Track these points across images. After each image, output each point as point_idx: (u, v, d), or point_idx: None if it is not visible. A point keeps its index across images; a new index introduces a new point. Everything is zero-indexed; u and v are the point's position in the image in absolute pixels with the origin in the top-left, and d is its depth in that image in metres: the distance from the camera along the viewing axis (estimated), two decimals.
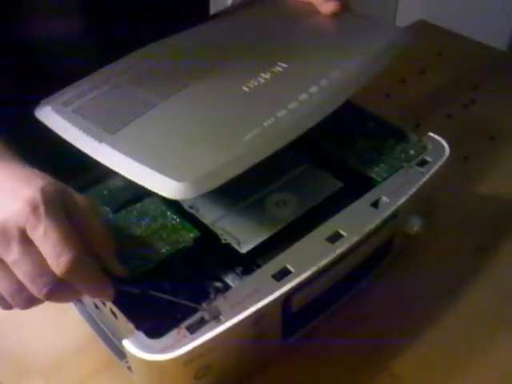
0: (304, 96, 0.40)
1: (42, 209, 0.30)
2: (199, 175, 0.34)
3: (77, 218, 0.32)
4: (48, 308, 0.44)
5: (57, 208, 0.31)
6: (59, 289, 0.31)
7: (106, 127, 0.37)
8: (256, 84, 0.41)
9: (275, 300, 0.34)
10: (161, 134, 0.38)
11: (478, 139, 0.61)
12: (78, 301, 0.43)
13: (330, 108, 0.40)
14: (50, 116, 0.39)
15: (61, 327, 0.43)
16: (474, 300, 0.45)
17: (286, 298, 0.35)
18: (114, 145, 0.36)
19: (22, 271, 0.30)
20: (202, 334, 0.33)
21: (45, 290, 0.30)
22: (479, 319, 0.44)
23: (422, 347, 0.42)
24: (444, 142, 0.46)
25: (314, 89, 0.40)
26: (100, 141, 0.36)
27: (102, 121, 0.38)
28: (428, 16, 0.82)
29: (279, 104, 0.39)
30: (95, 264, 0.32)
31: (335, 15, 0.49)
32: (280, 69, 0.42)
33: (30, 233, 0.30)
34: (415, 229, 0.44)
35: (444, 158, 0.44)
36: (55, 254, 0.30)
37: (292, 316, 0.37)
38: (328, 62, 0.44)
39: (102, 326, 0.41)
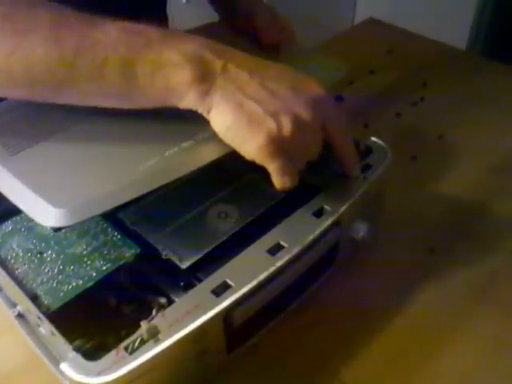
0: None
1: None
2: (78, 202, 0.34)
3: None
4: None
5: None
6: None
7: (9, 148, 0.38)
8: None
9: (215, 316, 0.34)
10: (57, 160, 0.37)
11: (426, 138, 0.61)
12: (20, 317, 0.42)
13: None
14: None
15: (5, 344, 0.43)
16: (423, 302, 0.45)
17: (227, 313, 0.35)
18: (6, 165, 0.36)
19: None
20: (140, 355, 0.32)
21: None
22: (429, 321, 0.44)
23: (372, 353, 0.42)
24: (386, 146, 0.46)
25: None
26: None
27: (8, 141, 0.38)
28: (383, 14, 0.83)
29: (185, 135, 0.38)
30: None
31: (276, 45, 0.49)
32: None
33: None
34: (361, 234, 0.44)
35: (386, 163, 0.45)
36: None
37: (235, 330, 0.37)
38: None
39: (45, 345, 0.40)
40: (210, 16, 0.57)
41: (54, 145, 0.38)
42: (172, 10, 0.90)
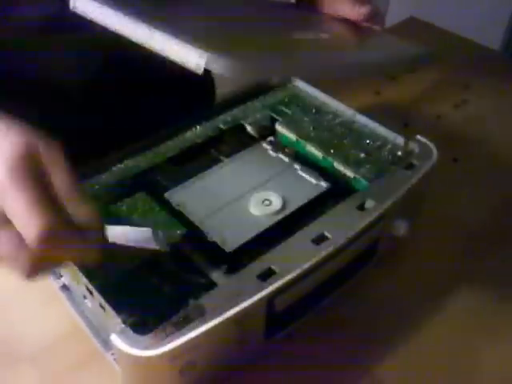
0: None
1: (7, 178, 0.27)
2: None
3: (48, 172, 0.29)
4: (37, 295, 0.45)
5: (25, 173, 0.28)
6: (39, 264, 0.29)
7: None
8: None
9: (259, 300, 0.35)
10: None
11: (467, 140, 0.61)
12: (66, 289, 0.44)
13: None
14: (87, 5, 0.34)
15: (50, 314, 0.44)
16: (459, 305, 0.45)
17: (270, 298, 0.36)
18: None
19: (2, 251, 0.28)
20: (186, 332, 0.33)
21: (26, 268, 0.28)
22: (464, 324, 0.44)
23: (405, 352, 0.42)
24: (432, 145, 0.46)
25: None
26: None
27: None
28: (419, 13, 0.82)
29: None
30: (72, 224, 0.29)
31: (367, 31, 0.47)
32: None
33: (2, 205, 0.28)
34: (402, 232, 0.45)
35: (431, 162, 0.45)
36: (23, 224, 0.27)
37: (275, 316, 0.37)
38: None
39: (90, 316, 0.41)
40: None
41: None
42: None
